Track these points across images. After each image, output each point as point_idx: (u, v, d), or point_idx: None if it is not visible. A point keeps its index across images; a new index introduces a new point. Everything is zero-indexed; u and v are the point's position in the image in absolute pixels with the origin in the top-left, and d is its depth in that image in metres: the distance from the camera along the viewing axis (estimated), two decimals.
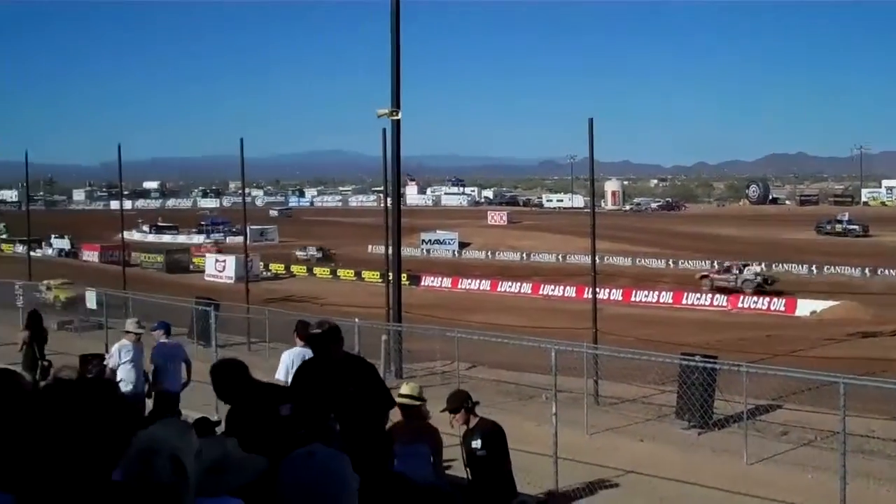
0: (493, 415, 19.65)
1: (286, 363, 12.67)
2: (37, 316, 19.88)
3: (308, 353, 11.08)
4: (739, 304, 51.30)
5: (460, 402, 9.40)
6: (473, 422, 9.23)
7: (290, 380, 10.97)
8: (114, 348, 15.11)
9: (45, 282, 39.26)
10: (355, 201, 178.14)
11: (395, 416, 8.35)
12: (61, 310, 29.18)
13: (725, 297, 52.51)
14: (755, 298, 51.40)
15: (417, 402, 8.97)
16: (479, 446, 8.94)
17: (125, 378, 14.40)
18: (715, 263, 63.61)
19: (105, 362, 14.13)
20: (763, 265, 62.26)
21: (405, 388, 9.24)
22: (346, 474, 2.84)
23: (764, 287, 55.11)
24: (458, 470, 9.66)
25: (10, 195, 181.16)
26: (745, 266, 59.22)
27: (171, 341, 16.09)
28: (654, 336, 32.68)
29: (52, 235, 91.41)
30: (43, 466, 2.38)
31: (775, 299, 50.52)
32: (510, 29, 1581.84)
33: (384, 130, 26.06)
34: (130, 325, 15.24)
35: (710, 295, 53.76)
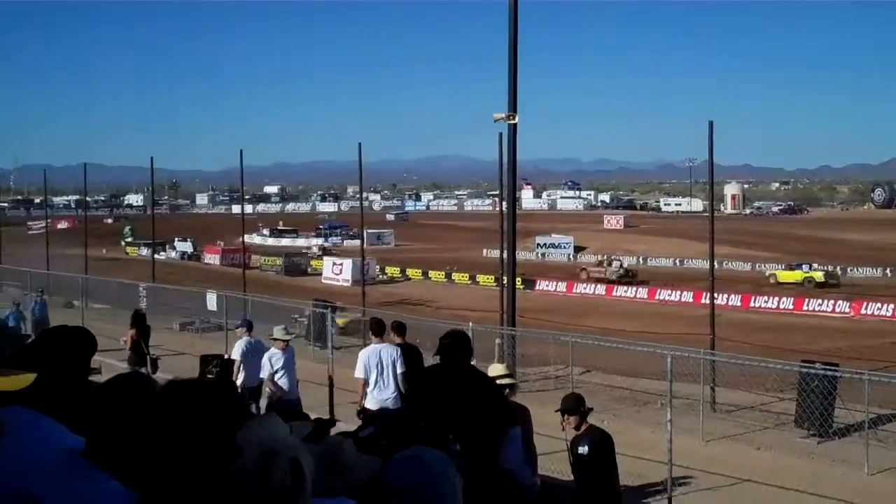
0: (606, 420, 19.66)
1: (364, 361, 13.27)
2: (140, 315, 21.18)
3: (382, 349, 13.36)
4: (863, 311, 49.90)
5: (576, 405, 9.33)
6: (583, 428, 9.14)
7: (368, 377, 13.03)
8: (264, 359, 14.93)
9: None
10: (470, 205, 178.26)
11: None
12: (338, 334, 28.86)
13: (848, 304, 51.13)
14: (879, 305, 49.84)
15: (512, 382, 8.71)
16: (585, 453, 8.84)
17: (279, 386, 14.66)
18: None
19: (262, 374, 14.68)
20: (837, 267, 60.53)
21: (497, 368, 9.02)
22: (451, 476, 2.89)
23: (628, 277, 66.92)
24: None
25: (136, 199, 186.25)
26: (612, 260, 72.05)
27: (254, 338, 16.98)
28: (773, 342, 32.12)
29: (176, 238, 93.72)
30: (166, 464, 2.49)
31: None
32: (629, 30, 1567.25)
33: (500, 134, 26.07)
34: (279, 332, 15.14)
35: (831, 301, 52.41)
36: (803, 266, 65.02)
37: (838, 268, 66.92)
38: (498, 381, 8.53)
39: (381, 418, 7.26)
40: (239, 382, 15.73)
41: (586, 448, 8.77)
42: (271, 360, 14.71)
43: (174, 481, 2.49)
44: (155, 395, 2.89)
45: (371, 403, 13.01)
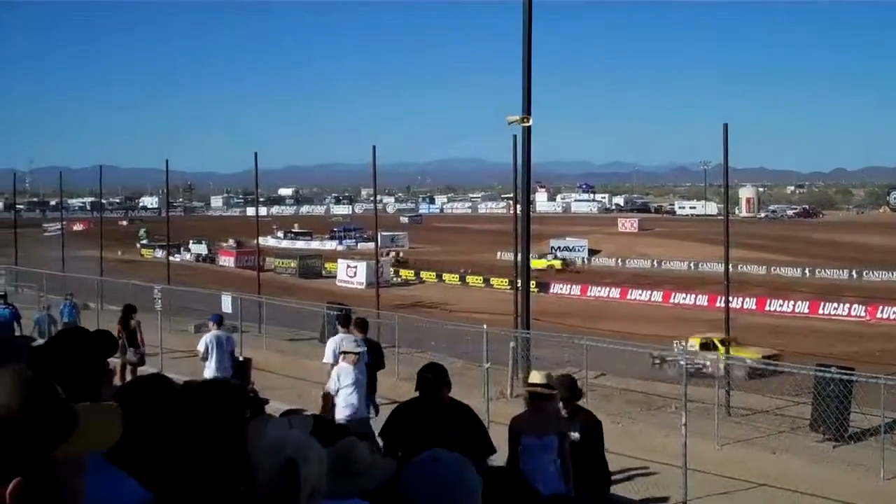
0: (622, 424, 19.65)
1: (332, 348, 15.05)
2: (130, 308, 22.00)
3: (348, 339, 14.71)
4: (879, 315, 49.71)
5: (575, 392, 9.27)
6: (575, 411, 9.07)
7: (335, 361, 14.22)
8: (333, 372, 13.31)
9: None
10: (484, 208, 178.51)
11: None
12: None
13: (863, 308, 50.95)
14: (895, 309, 49.60)
15: (551, 392, 8.53)
16: (577, 438, 8.78)
17: (347, 403, 12.91)
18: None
19: (328, 387, 12.86)
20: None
21: (536, 377, 8.74)
22: (470, 478, 2.90)
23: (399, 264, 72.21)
24: None
25: (151, 202, 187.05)
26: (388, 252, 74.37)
27: (223, 333, 18.13)
28: (788, 346, 32.00)
29: (191, 241, 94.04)
30: (181, 464, 2.49)
31: None
32: (643, 33, 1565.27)
33: (514, 137, 26.05)
34: (349, 344, 13.58)
35: (847, 305, 52.21)
36: (548, 255, 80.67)
37: (806, 269, 66.67)
38: (531, 391, 8.56)
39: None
40: (207, 376, 16.28)
41: (578, 433, 8.70)
42: (339, 377, 13.09)
43: (190, 481, 2.50)
44: (173, 397, 2.91)
45: (343, 414, 13.83)
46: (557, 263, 78.74)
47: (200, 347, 17.64)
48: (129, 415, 2.90)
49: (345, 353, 13.26)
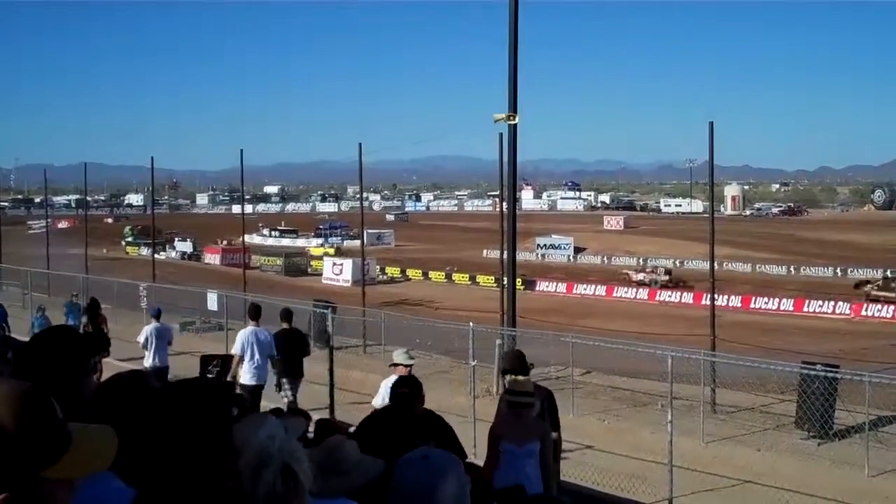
0: (608, 421, 19.70)
1: (242, 340, 15.99)
2: (95, 302, 22.41)
3: (260, 332, 15.98)
4: (863, 313, 49.91)
5: (524, 365, 9.26)
6: None
7: (243, 353, 15.55)
8: (382, 387, 12.39)
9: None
10: (471, 206, 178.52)
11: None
12: None
13: (848, 306, 51.15)
14: (879, 307, 49.84)
15: (529, 400, 8.52)
16: (537, 411, 8.77)
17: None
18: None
19: (374, 402, 12.13)
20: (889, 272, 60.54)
21: (518, 384, 8.69)
22: (460, 477, 2.89)
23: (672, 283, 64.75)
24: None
25: (137, 199, 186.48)
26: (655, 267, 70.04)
27: (162, 325, 19.38)
28: (773, 344, 32.09)
29: (176, 238, 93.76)
30: (164, 463, 2.48)
31: None
32: (629, 31, 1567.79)
33: (501, 135, 26.05)
34: (400, 356, 12.50)
35: (832, 303, 52.38)
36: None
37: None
38: (512, 399, 8.45)
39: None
40: (147, 364, 17.82)
41: (537, 406, 8.69)
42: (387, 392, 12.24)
43: (173, 479, 2.49)
44: (156, 395, 2.89)
45: (246, 379, 15.66)
46: (331, 251, 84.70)
47: (140, 339, 18.61)
48: (108, 413, 2.90)
49: (395, 364, 12.09)
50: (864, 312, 49.97)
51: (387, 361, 25.63)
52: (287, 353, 16.58)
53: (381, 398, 11.74)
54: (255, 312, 17.13)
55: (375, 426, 7.92)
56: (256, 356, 15.91)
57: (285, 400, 16.09)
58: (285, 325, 17.45)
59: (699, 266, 62.35)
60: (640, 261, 76.74)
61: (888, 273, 59.66)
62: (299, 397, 16.87)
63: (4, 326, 24.28)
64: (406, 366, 11.91)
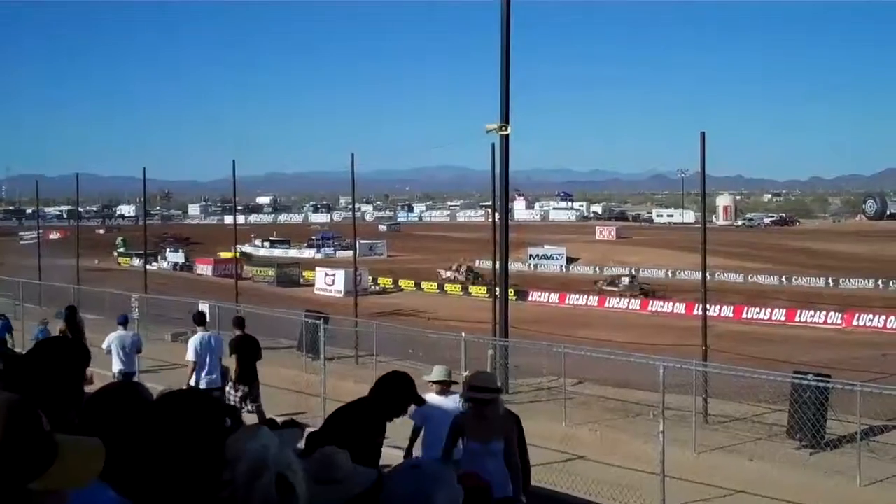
0: (600, 432, 19.70)
1: (194, 346, 16.58)
2: (72, 309, 22.23)
3: (211, 337, 16.64)
4: (855, 322, 50.02)
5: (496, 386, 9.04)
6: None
7: (196, 359, 16.17)
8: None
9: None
10: (463, 216, 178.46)
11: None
12: None
13: (840, 315, 51.27)
14: (871, 316, 49.97)
15: (493, 396, 8.31)
16: None
17: (432, 442, 10.70)
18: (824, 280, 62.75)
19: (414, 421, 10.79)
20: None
21: (480, 379, 8.50)
22: (450, 487, 2.90)
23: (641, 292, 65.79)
24: None
25: (128, 210, 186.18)
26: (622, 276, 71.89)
27: (127, 332, 19.78)
28: (765, 354, 32.14)
29: (168, 249, 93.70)
30: (156, 473, 2.48)
31: (892, 317, 49.04)
32: (621, 41, 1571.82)
33: (493, 145, 26.09)
34: (439, 372, 11.29)
35: (824, 313, 52.52)
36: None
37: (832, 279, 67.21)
38: (473, 396, 8.29)
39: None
40: (115, 370, 18.13)
41: (502, 405, 8.60)
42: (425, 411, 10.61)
43: (166, 490, 2.49)
44: (148, 405, 2.90)
45: (201, 383, 16.19)
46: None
47: (104, 345, 18.78)
48: (100, 423, 2.91)
49: (432, 381, 11.04)
50: (855, 322, 50.06)
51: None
52: (241, 358, 16.77)
53: (193, 352, 12.44)
54: (200, 318, 17.95)
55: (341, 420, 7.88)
56: (210, 361, 16.57)
57: (243, 407, 16.23)
58: (238, 332, 17.77)
59: (691, 276, 62.61)
60: (596, 269, 78.23)
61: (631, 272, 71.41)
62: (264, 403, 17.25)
63: (6, 339, 24.20)
64: (446, 383, 11.05)
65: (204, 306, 31.36)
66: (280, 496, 2.70)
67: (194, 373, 16.63)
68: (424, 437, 10.45)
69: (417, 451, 10.40)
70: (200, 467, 2.52)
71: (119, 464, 2.36)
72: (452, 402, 10.54)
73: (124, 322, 20.55)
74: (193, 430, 2.55)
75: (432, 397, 10.65)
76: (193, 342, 16.86)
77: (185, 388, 8.37)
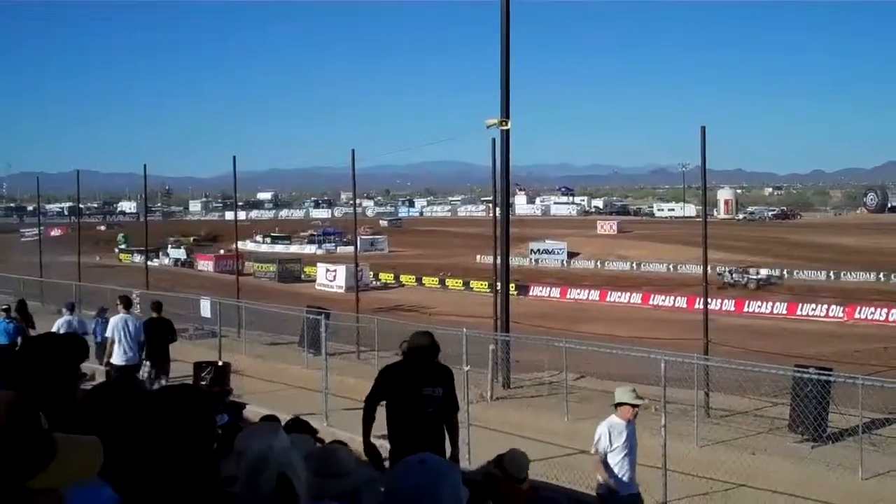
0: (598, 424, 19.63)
1: (113, 326, 17.55)
2: (23, 303, 23.32)
3: (129, 319, 17.43)
4: (856, 315, 49.98)
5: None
6: (436, 366, 9.00)
7: (115, 336, 17.05)
8: (601, 429, 10.56)
9: None
10: (464, 211, 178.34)
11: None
12: None
13: (841, 309, 51.21)
14: (872, 309, 49.94)
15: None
16: (440, 392, 8.72)
17: (612, 472, 10.43)
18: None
19: (597, 448, 10.45)
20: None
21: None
22: (455, 484, 2.90)
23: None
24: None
25: (129, 206, 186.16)
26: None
27: (75, 317, 20.93)
28: (767, 347, 32.09)
29: (169, 245, 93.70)
30: (151, 469, 2.48)
31: (894, 310, 48.99)
32: (622, 36, 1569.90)
33: (493, 140, 26.07)
34: (625, 394, 10.62)
35: (825, 306, 52.47)
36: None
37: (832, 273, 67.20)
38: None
39: None
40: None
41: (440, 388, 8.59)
42: (610, 434, 10.42)
43: (161, 486, 2.49)
44: (147, 401, 2.90)
45: (117, 360, 17.14)
46: None
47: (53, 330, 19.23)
48: (98, 419, 2.90)
49: (620, 404, 10.49)
50: (856, 315, 50.03)
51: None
52: (152, 339, 18.06)
53: (603, 444, 10.36)
54: (126, 302, 18.58)
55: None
56: (126, 340, 17.34)
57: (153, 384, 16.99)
58: (154, 315, 19.19)
59: (693, 270, 62.60)
60: (597, 264, 77.52)
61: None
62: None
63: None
64: (633, 406, 10.49)
65: (133, 294, 31.47)
66: (280, 494, 2.70)
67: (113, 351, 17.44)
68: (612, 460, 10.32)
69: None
70: (194, 462, 2.51)
71: (116, 461, 2.35)
72: (633, 427, 10.55)
73: (72, 308, 21.75)
74: (186, 425, 2.55)
75: (616, 422, 10.45)
76: (112, 322, 17.80)
77: (221, 387, 8.53)
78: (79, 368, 3.53)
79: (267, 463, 2.75)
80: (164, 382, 17.30)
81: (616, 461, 10.36)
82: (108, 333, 17.61)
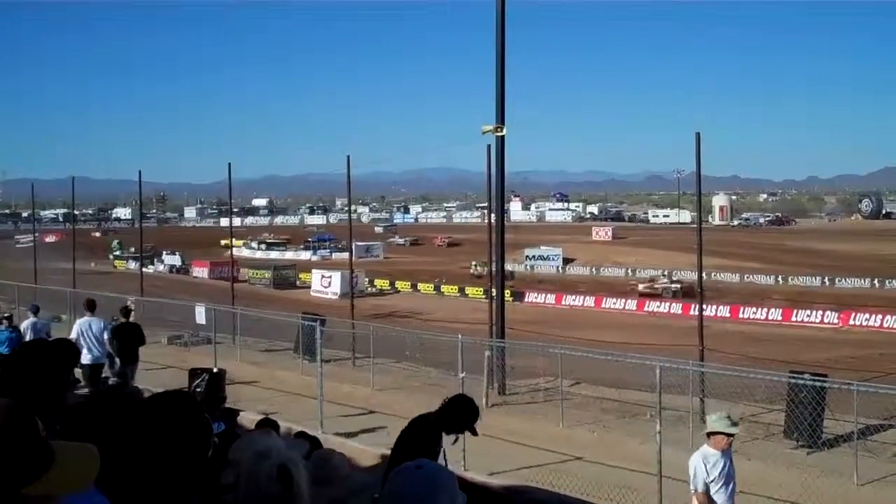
0: (597, 433, 19.66)
1: (77, 327, 18.59)
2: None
3: (93, 321, 18.38)
4: (851, 322, 50.02)
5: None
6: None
7: (80, 337, 17.67)
8: (693, 464, 9.79)
9: None
10: (459, 217, 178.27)
11: None
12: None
13: (836, 315, 51.24)
14: (867, 315, 49.95)
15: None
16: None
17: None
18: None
19: (694, 486, 9.71)
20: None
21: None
22: (451, 490, 2.90)
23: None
24: None
25: (124, 213, 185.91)
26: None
27: (39, 319, 21.12)
28: (762, 353, 32.15)
29: (164, 252, 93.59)
30: (146, 475, 2.48)
31: (889, 316, 49.02)
32: (616, 43, 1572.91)
33: (489, 147, 26.09)
34: (720, 422, 9.73)
35: (820, 312, 52.51)
36: None
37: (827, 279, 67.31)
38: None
39: None
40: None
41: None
42: (706, 464, 9.56)
43: (155, 493, 2.49)
44: (140, 408, 2.89)
45: (83, 359, 17.28)
46: None
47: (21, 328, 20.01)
48: (92, 428, 2.89)
49: (713, 433, 9.65)
50: (851, 321, 50.07)
51: (377, 374, 25.69)
52: (122, 342, 18.87)
53: (701, 478, 9.60)
54: (90, 305, 19.71)
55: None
56: (90, 340, 18.28)
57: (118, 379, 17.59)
58: (122, 319, 20.20)
59: (687, 276, 62.61)
60: (592, 270, 77.13)
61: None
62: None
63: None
64: (728, 435, 9.59)
65: (129, 302, 31.47)
66: (281, 484, 2.70)
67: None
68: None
69: None
70: (189, 469, 2.51)
71: (110, 468, 2.35)
72: (729, 456, 9.57)
73: (36, 310, 21.90)
74: (180, 431, 2.55)
75: (709, 452, 9.61)
76: (77, 324, 18.91)
77: (217, 394, 8.07)
78: (69, 376, 3.52)
79: (268, 455, 2.75)
80: (131, 376, 18.13)
81: (716, 490, 9.66)
82: (73, 335, 18.05)
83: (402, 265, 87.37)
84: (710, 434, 9.59)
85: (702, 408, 20.09)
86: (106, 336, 18.71)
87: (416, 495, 2.80)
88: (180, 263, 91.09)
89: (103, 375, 18.03)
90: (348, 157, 31.66)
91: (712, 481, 9.43)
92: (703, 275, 24.19)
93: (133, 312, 21.31)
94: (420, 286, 72.78)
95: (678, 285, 63.84)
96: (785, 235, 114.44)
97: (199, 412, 2.70)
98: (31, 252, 50.06)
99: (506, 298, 28.72)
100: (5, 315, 21.29)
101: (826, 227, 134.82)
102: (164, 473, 2.47)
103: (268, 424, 6.88)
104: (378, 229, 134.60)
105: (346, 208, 47.36)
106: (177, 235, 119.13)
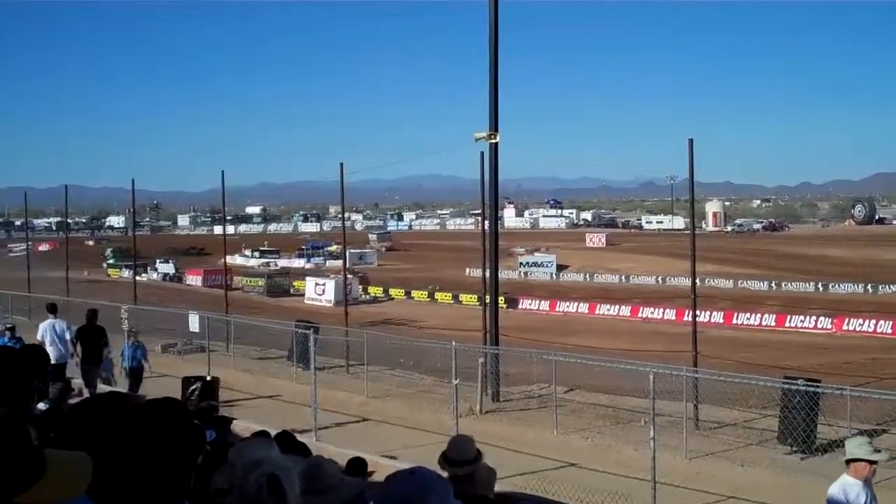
0: (591, 439, 19.67)
1: (42, 329, 19.27)
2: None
3: (56, 323, 19.09)
4: (845, 327, 50.04)
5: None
6: None
7: (45, 338, 18.63)
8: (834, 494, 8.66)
9: None
10: (453, 224, 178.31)
11: None
12: None
13: (830, 320, 51.27)
14: (860, 321, 49.97)
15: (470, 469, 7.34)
16: None
17: None
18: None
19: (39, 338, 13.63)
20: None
21: (455, 451, 6.19)
22: (447, 495, 2.91)
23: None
24: None
25: (118, 221, 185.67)
26: None
27: (59, 320, 20.66)
28: (755, 359, 32.14)
29: (158, 260, 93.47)
30: (136, 483, 2.47)
31: (882, 322, 49.06)
32: (609, 49, 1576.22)
33: (482, 154, 26.11)
34: (861, 448, 8.50)
35: (814, 318, 52.51)
36: None
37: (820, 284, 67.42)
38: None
39: None
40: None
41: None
42: (847, 498, 8.41)
43: (148, 501, 2.48)
44: (133, 416, 2.89)
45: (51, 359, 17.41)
46: None
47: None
48: (83, 436, 2.88)
49: (853, 459, 8.36)
50: (845, 327, 50.09)
51: (371, 381, 25.70)
52: (86, 343, 19.68)
53: (41, 333, 13.26)
54: (52, 308, 20.41)
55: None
56: (53, 340, 18.93)
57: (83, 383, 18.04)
58: (86, 322, 20.67)
59: (681, 283, 62.66)
60: (587, 276, 77.35)
61: None
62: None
63: None
64: (871, 462, 8.32)
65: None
66: (271, 494, 2.70)
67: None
68: None
69: None
70: (179, 477, 2.51)
71: (100, 476, 2.34)
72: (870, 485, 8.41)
73: (53, 309, 21.77)
74: (170, 438, 2.54)
75: (850, 482, 8.40)
76: (42, 326, 19.49)
77: (209, 402, 8.31)
78: (35, 383, 3.48)
79: (260, 465, 2.75)
80: (93, 375, 19.11)
81: None
82: (39, 336, 18.80)
83: (397, 273, 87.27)
84: (849, 461, 8.41)
85: (696, 414, 20.13)
86: (68, 336, 19.47)
87: (406, 497, 2.81)
88: (174, 271, 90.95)
89: (67, 376, 17.89)
90: (342, 164, 31.69)
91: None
92: (697, 280, 24.24)
93: (98, 313, 21.50)
94: (414, 293, 72.71)
95: None
96: (778, 241, 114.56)
97: (189, 419, 2.70)
98: (25, 261, 50.02)
99: (500, 305, 28.73)
100: (8, 325, 21.28)
101: (819, 233, 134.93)
102: (154, 480, 2.46)
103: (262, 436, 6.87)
104: (372, 237, 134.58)
105: (340, 216, 47.28)
106: (168, 244, 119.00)
